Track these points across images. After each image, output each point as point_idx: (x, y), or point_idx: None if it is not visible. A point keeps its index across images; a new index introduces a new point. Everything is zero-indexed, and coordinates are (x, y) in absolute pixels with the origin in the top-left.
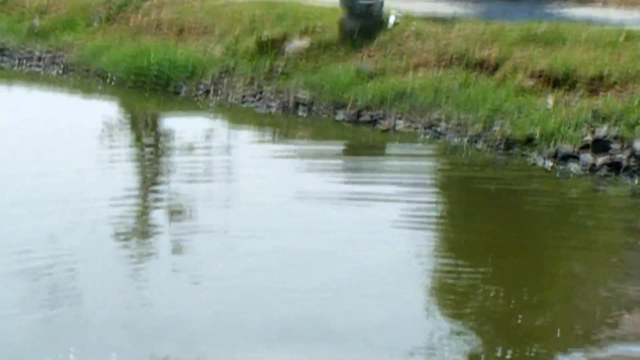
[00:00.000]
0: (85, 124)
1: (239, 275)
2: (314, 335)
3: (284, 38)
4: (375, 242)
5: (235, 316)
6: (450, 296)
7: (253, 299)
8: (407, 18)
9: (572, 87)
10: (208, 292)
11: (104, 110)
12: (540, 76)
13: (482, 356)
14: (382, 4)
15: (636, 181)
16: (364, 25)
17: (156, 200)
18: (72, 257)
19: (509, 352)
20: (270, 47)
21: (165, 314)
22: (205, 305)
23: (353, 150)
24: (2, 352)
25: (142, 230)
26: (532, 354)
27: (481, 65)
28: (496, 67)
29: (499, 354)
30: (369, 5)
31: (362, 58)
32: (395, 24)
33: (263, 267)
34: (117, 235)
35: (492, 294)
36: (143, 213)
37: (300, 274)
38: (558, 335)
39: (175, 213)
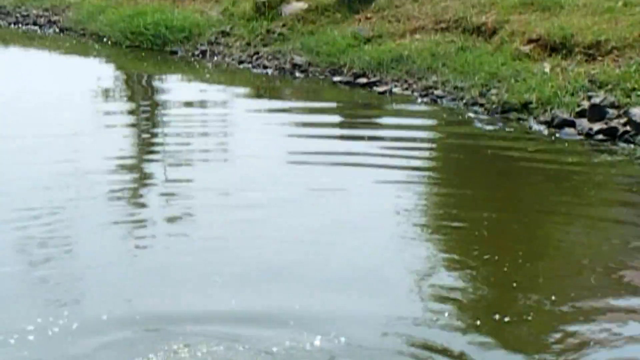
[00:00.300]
0: (82, 83)
1: (227, 225)
2: (286, 278)
3: (281, 1)
4: (362, 195)
5: (218, 264)
6: (434, 251)
7: (235, 246)
8: None
9: (569, 53)
10: (196, 242)
11: (101, 70)
12: (537, 42)
13: (460, 311)
14: None
15: (632, 147)
16: None
17: (151, 153)
18: (66, 212)
19: (491, 311)
20: (267, 9)
21: (151, 265)
22: (191, 254)
23: (348, 108)
24: None
25: (137, 183)
26: (519, 317)
27: (478, 30)
28: (494, 33)
29: (479, 312)
30: None
31: (359, 22)
32: None
33: (251, 219)
34: (111, 190)
35: (475, 253)
36: (138, 166)
37: (284, 223)
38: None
39: (170, 167)
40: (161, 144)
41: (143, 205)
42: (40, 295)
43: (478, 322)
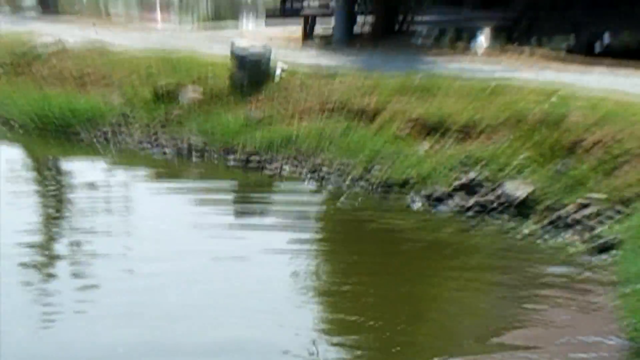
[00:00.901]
0: None
1: (131, 293)
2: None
3: (178, 88)
4: (256, 263)
5: (122, 334)
6: (323, 315)
7: (139, 314)
8: (293, 70)
9: (445, 133)
10: (103, 309)
11: (7, 154)
12: (416, 122)
13: None
14: (269, 57)
15: (501, 220)
16: (252, 77)
17: (57, 232)
18: None
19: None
20: (165, 96)
21: (57, 333)
22: (95, 323)
23: (242, 186)
24: None
25: (44, 257)
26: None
27: (362, 113)
28: (375, 116)
29: None
30: (257, 57)
31: (250, 107)
32: (282, 76)
33: (154, 286)
34: (19, 262)
35: (361, 317)
36: (44, 240)
37: (186, 289)
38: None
39: (74, 240)
40: (66, 220)
41: (50, 276)
42: None
43: None
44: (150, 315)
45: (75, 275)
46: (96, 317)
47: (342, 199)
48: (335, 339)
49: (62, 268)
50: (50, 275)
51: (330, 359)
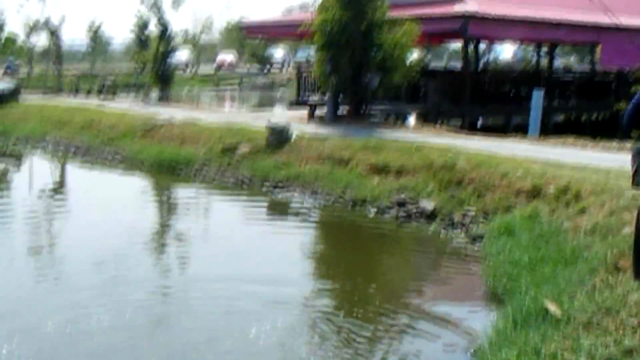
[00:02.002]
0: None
1: None
2: None
3: (237, 145)
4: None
5: None
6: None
7: None
8: (302, 136)
9: (388, 173)
10: None
11: (141, 181)
12: (371, 167)
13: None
14: (289, 128)
15: (418, 223)
16: (278, 139)
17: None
18: None
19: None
20: (229, 150)
21: None
22: None
23: (271, 205)
24: None
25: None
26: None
27: (340, 161)
28: (348, 162)
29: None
30: (282, 128)
31: (278, 156)
32: (295, 139)
33: None
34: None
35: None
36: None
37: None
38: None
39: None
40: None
41: None
42: None
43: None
44: None
45: None
46: None
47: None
48: (321, 288)
49: None
50: None
51: (319, 301)
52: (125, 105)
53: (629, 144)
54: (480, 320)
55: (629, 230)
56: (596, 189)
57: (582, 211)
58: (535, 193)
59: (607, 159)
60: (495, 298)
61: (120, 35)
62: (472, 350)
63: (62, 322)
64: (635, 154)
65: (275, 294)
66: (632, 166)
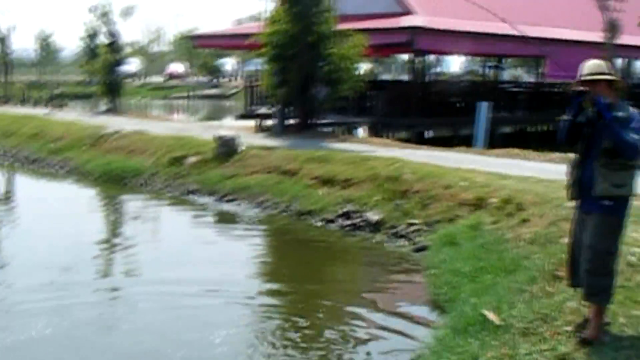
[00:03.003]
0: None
1: None
2: None
3: (185, 156)
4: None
5: None
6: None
7: None
8: (250, 147)
9: (334, 184)
10: None
11: (88, 192)
12: (317, 178)
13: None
14: (236, 139)
15: (364, 233)
16: (227, 150)
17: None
18: None
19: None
20: (177, 161)
21: None
22: None
23: (218, 216)
24: None
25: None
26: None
27: (287, 172)
28: (295, 174)
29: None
30: (230, 140)
31: (226, 167)
32: (243, 150)
33: None
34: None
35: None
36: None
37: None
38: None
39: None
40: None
41: None
42: None
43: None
44: None
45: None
46: None
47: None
48: (270, 290)
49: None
50: None
51: (269, 301)
52: (73, 115)
53: (571, 155)
54: (422, 328)
55: (566, 240)
56: (537, 199)
57: (524, 221)
58: (478, 204)
59: (550, 170)
60: (437, 307)
61: (71, 44)
62: (412, 358)
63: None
64: (570, 167)
65: (218, 295)
66: (568, 179)
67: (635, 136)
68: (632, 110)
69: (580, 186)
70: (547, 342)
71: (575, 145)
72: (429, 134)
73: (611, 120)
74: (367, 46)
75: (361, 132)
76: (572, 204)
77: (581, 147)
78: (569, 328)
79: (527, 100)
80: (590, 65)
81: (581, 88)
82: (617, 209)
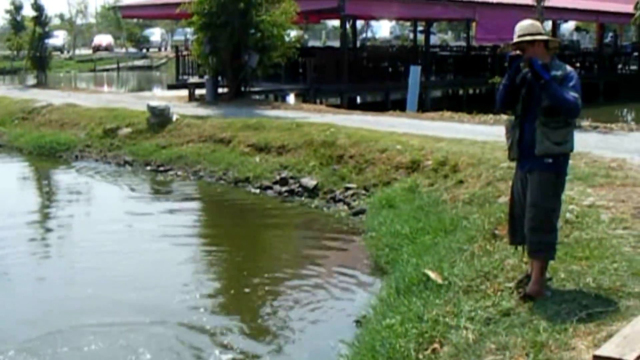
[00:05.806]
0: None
1: None
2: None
3: (118, 128)
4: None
5: None
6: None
7: None
8: (182, 117)
9: (269, 151)
10: None
11: (21, 167)
12: (252, 145)
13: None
14: (169, 109)
15: (302, 198)
16: (159, 121)
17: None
18: None
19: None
20: (110, 132)
21: None
22: None
23: (153, 183)
24: None
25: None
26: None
27: (221, 140)
28: (229, 142)
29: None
30: (162, 110)
31: (159, 138)
32: (176, 120)
33: None
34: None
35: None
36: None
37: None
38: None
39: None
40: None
41: None
42: None
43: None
44: None
45: None
46: None
47: None
48: (208, 253)
49: None
50: None
51: (206, 266)
52: (2, 90)
53: (504, 117)
54: (365, 290)
55: (504, 199)
56: (472, 161)
57: (460, 183)
58: (414, 167)
59: (484, 131)
60: (379, 269)
61: None
62: (357, 319)
63: None
64: (508, 128)
65: (155, 259)
66: (507, 140)
67: (575, 94)
68: (569, 68)
69: (520, 146)
70: (490, 299)
71: (513, 107)
72: (361, 99)
73: (550, 80)
74: (297, 12)
75: (292, 98)
76: (508, 164)
77: (519, 108)
78: (510, 284)
79: (457, 64)
80: (526, 26)
81: (517, 52)
82: (559, 166)
